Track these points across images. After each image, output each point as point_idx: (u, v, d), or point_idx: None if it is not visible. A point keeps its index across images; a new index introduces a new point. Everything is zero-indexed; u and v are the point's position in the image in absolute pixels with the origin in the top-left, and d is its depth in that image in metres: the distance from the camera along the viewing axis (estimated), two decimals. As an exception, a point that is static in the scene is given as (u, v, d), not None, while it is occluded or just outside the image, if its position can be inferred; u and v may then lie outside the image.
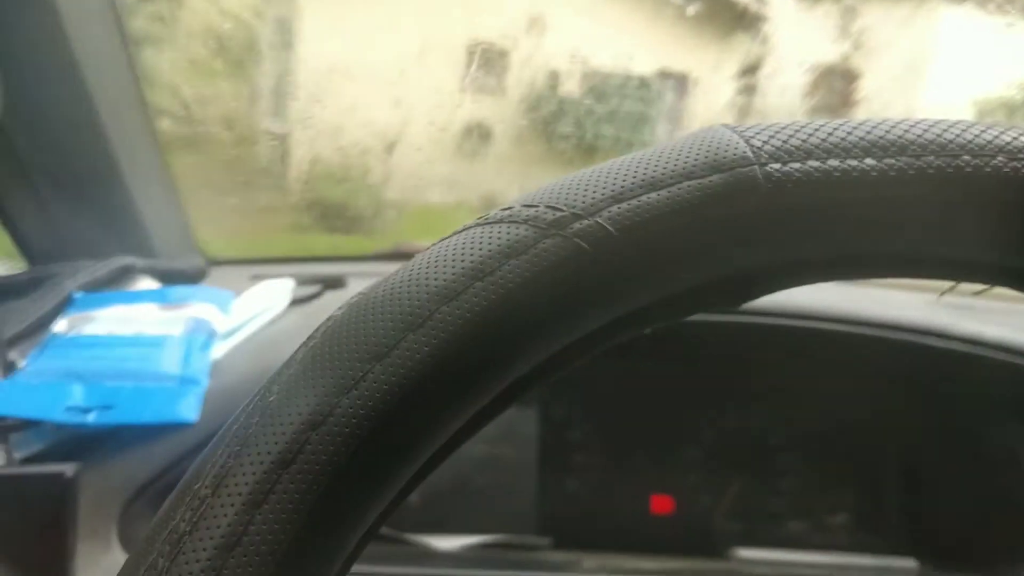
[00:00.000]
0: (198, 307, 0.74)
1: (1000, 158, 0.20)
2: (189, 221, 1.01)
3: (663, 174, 0.21)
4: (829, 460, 0.91)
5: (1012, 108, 1.18)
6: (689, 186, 0.21)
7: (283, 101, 1.18)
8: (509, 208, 0.21)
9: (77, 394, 0.62)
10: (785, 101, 1.22)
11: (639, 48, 1.22)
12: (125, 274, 0.83)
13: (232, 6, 1.08)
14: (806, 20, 1.28)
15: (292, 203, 1.20)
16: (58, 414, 0.60)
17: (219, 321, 0.74)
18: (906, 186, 0.20)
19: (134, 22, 0.91)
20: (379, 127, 1.10)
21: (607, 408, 0.91)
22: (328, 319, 0.21)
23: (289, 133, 1.17)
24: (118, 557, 0.60)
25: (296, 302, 0.86)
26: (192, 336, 0.69)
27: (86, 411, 0.61)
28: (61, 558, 0.54)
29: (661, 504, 0.90)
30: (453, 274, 0.20)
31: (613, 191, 0.21)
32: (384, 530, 0.22)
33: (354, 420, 0.19)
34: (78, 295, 0.76)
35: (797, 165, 0.21)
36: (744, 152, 0.21)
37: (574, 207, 0.20)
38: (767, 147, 0.21)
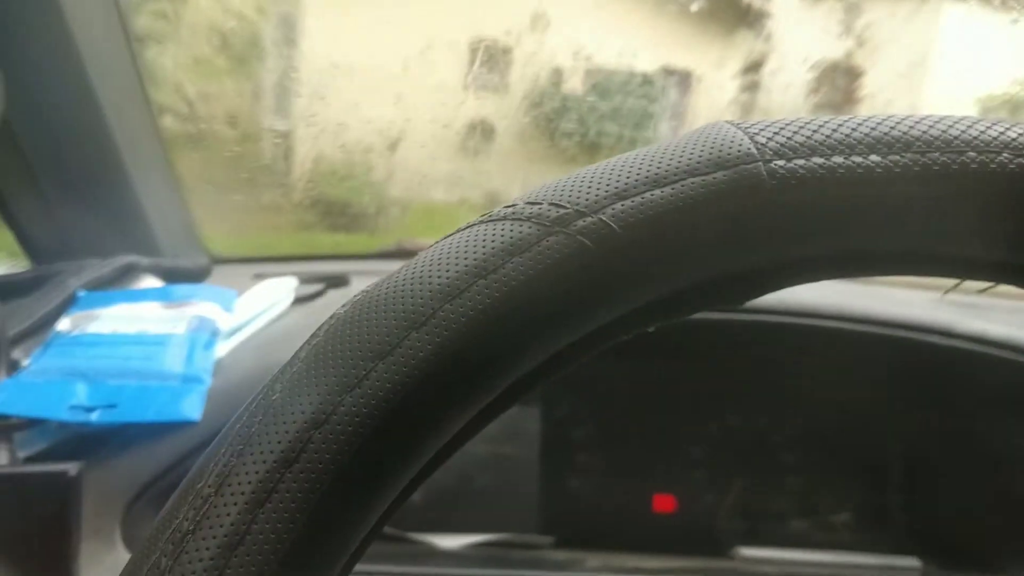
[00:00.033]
0: (201, 305, 0.74)
1: (1005, 154, 0.20)
2: (192, 219, 1.01)
3: (667, 171, 0.21)
4: (832, 458, 0.91)
5: (1016, 105, 1.17)
6: (693, 183, 0.20)
7: (286, 99, 1.18)
8: (512, 205, 0.21)
9: (81, 393, 0.62)
10: (788, 98, 1.22)
11: (642, 45, 1.22)
12: (129, 272, 0.83)
13: (235, 3, 1.08)
14: (809, 17, 1.28)
15: (295, 201, 1.20)
16: (62, 413, 0.60)
17: (222, 319, 0.74)
18: (911, 183, 0.20)
19: (138, 20, 0.91)
20: (382, 124, 1.10)
21: (610, 407, 0.91)
22: (331, 317, 0.21)
23: (292, 131, 1.17)
24: (121, 556, 0.60)
25: (299, 300, 0.86)
26: (195, 335, 0.69)
27: (90, 410, 0.61)
28: (64, 557, 0.54)
29: (664, 503, 0.90)
30: (456, 272, 0.20)
31: (617, 188, 0.21)
32: (387, 529, 0.22)
33: (357, 419, 0.19)
34: (82, 294, 0.76)
35: (801, 162, 0.20)
36: (748, 149, 0.21)
37: (578, 204, 0.20)
38: (771, 144, 0.21)
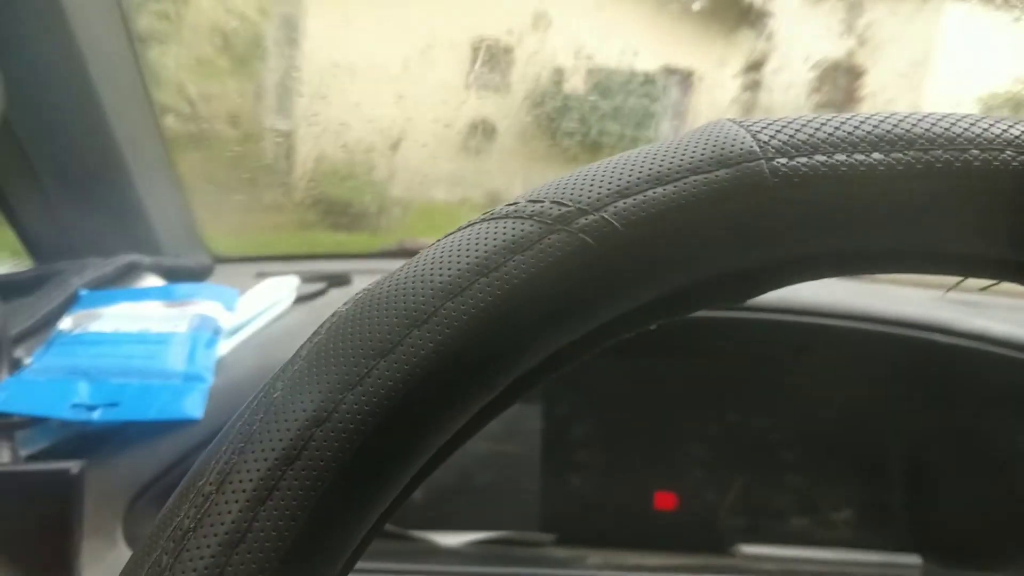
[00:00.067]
0: (203, 304, 0.74)
1: (1009, 152, 0.20)
2: (194, 218, 1.01)
3: (669, 169, 0.21)
4: (833, 456, 0.91)
5: (1018, 103, 1.17)
6: (695, 181, 0.20)
7: (288, 98, 1.18)
8: (514, 204, 0.21)
9: (83, 391, 0.62)
10: (790, 97, 1.22)
11: (644, 44, 1.22)
12: (131, 271, 0.83)
13: (237, 4, 1.08)
14: (811, 16, 1.27)
15: (297, 200, 1.20)
16: (63, 411, 0.60)
17: (224, 318, 0.74)
18: (913, 180, 0.20)
19: (140, 20, 0.91)
20: (384, 124, 1.10)
21: (611, 404, 0.91)
22: (333, 315, 0.21)
23: (294, 130, 1.17)
24: (123, 554, 0.60)
25: (301, 299, 0.86)
26: (197, 333, 0.70)
27: (91, 408, 0.61)
28: (66, 555, 0.54)
29: (665, 500, 0.90)
30: (458, 270, 0.20)
31: (619, 186, 0.21)
32: (388, 527, 0.22)
33: (358, 416, 0.18)
34: (84, 292, 0.76)
35: (804, 160, 0.20)
36: (751, 147, 0.21)
37: (579, 202, 0.20)
38: (774, 142, 0.21)
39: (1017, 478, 0.86)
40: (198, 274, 0.93)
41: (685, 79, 1.33)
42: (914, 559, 0.84)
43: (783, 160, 0.20)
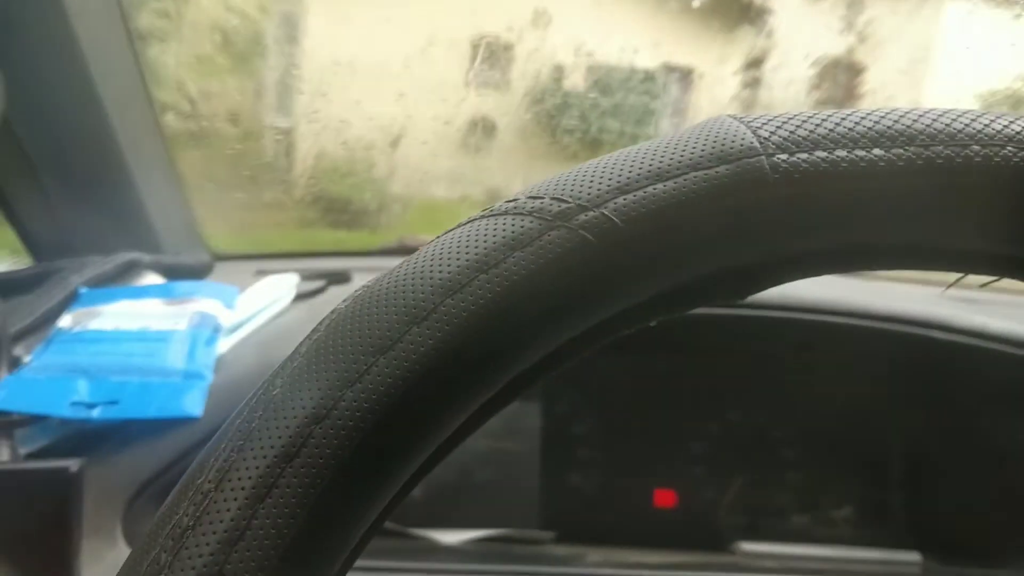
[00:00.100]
0: (203, 302, 0.74)
1: (1009, 148, 0.20)
2: (194, 216, 1.01)
3: (669, 165, 0.21)
4: (833, 453, 0.91)
5: (1018, 100, 1.17)
6: (696, 177, 0.20)
7: (288, 96, 1.18)
8: (514, 200, 0.21)
9: (82, 389, 0.62)
10: (790, 95, 1.22)
11: (644, 41, 1.22)
12: (130, 269, 0.83)
13: (237, 1, 1.08)
14: (811, 13, 1.27)
15: (297, 198, 1.20)
16: (63, 409, 0.60)
17: (224, 316, 0.74)
18: (914, 176, 0.20)
19: (140, 18, 0.91)
20: (384, 121, 1.09)
21: (611, 402, 0.91)
22: (332, 312, 0.21)
23: (294, 128, 1.17)
24: (123, 552, 0.60)
25: (301, 297, 0.86)
26: (197, 331, 0.70)
27: (91, 406, 0.61)
28: (66, 553, 0.54)
29: (664, 498, 0.90)
30: (458, 266, 0.20)
31: (619, 182, 0.21)
32: (388, 524, 0.22)
33: (358, 414, 0.18)
34: (83, 290, 0.76)
35: (804, 155, 0.20)
36: (751, 142, 0.21)
37: (579, 198, 0.20)
38: (774, 137, 0.21)
39: (1017, 475, 0.86)
40: (198, 272, 0.93)
41: (685, 76, 1.33)
42: (914, 556, 0.84)
43: (783, 156, 0.20)
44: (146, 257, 0.85)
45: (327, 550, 0.19)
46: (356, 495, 0.19)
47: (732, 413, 0.91)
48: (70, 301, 0.75)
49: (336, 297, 0.87)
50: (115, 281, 0.81)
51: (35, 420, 0.61)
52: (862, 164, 0.20)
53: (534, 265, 0.20)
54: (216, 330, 0.71)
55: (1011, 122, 0.21)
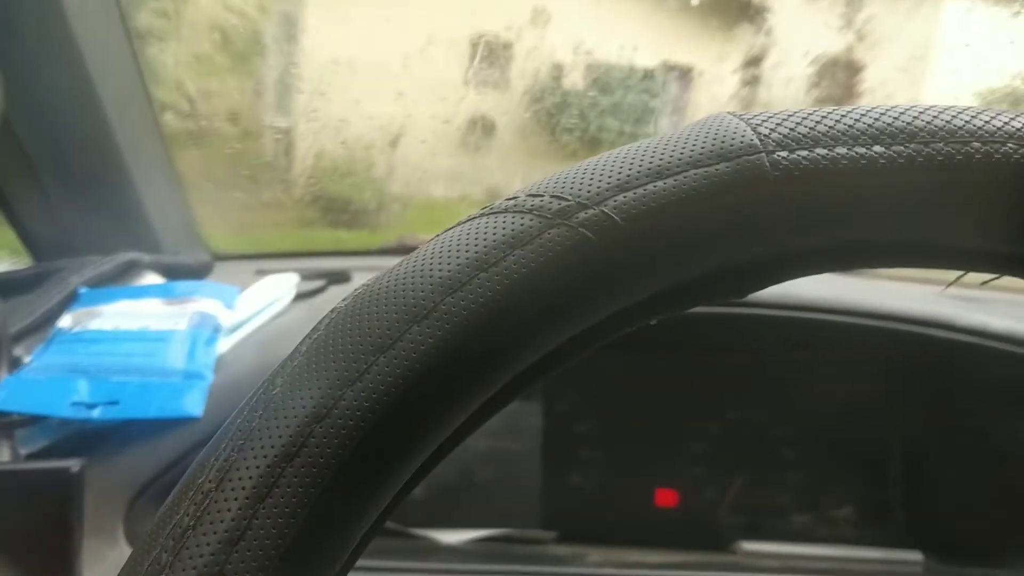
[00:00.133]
0: (203, 302, 0.74)
1: (1010, 145, 0.20)
2: (194, 216, 1.01)
3: (669, 162, 0.21)
4: (833, 453, 0.91)
5: (1017, 98, 1.17)
6: (696, 174, 0.20)
7: (287, 95, 1.18)
8: (514, 198, 0.21)
9: (82, 389, 0.62)
10: (789, 93, 1.22)
11: (643, 40, 1.22)
12: (130, 269, 0.83)
13: (236, 1, 1.08)
14: (810, 11, 1.27)
15: (296, 197, 1.20)
16: (63, 409, 0.60)
17: (224, 316, 0.74)
18: (915, 173, 0.20)
19: (138, 17, 0.91)
20: (383, 120, 1.09)
21: (611, 401, 0.91)
22: (332, 311, 0.21)
23: (293, 127, 1.17)
24: (124, 552, 0.60)
25: (300, 296, 0.86)
26: (197, 331, 0.69)
27: (91, 406, 0.61)
28: (67, 554, 0.54)
29: (665, 497, 0.90)
30: (457, 265, 0.20)
31: (619, 180, 0.20)
32: (388, 524, 0.22)
33: (358, 413, 0.18)
34: (83, 291, 0.76)
35: (804, 153, 0.20)
36: (751, 140, 0.21)
37: (579, 196, 0.20)
38: (774, 135, 0.21)
39: (1018, 473, 0.86)
40: (197, 272, 0.93)
41: (684, 75, 1.33)
42: (915, 555, 0.84)
43: (784, 153, 0.20)
44: (146, 257, 0.85)
45: (328, 550, 0.19)
46: (357, 494, 0.19)
47: (733, 412, 0.91)
48: (70, 301, 0.75)
49: (336, 297, 0.87)
50: (115, 281, 0.81)
51: (35, 420, 0.61)
52: (862, 161, 0.20)
53: (534, 263, 0.20)
54: (216, 330, 0.71)
55: (1011, 119, 0.21)
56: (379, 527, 0.21)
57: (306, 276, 0.90)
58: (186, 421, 0.62)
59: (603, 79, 1.23)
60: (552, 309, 0.20)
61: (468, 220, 0.21)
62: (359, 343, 0.19)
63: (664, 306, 0.23)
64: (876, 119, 0.21)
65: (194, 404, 0.62)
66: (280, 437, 0.18)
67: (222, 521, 0.18)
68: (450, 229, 0.21)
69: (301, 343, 0.20)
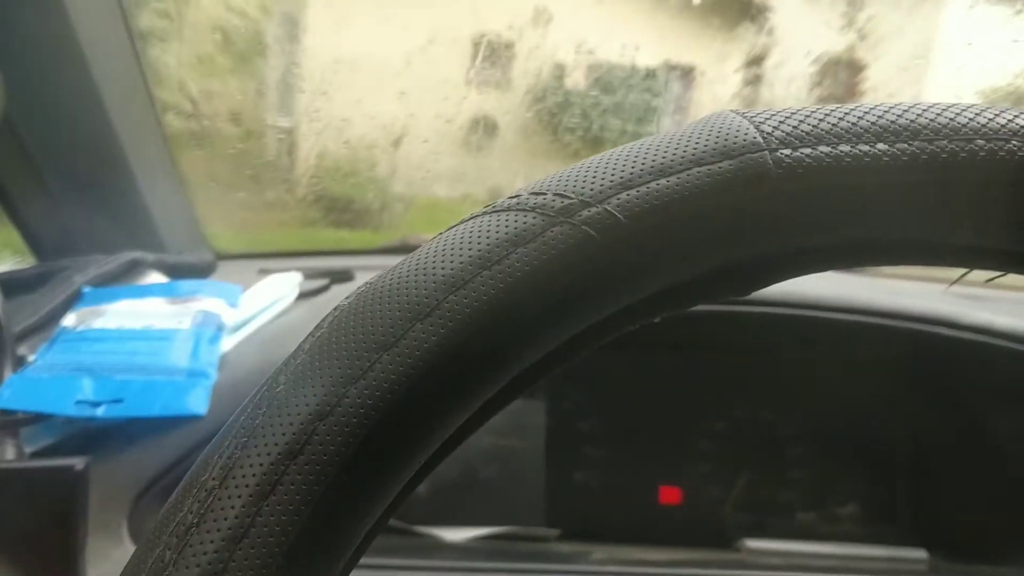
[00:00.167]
0: (206, 301, 0.74)
1: (1014, 142, 0.20)
2: (197, 216, 1.01)
3: (672, 160, 0.21)
4: (838, 450, 0.91)
5: (1020, 97, 1.17)
6: (699, 172, 0.20)
7: (290, 95, 1.18)
8: (517, 196, 0.21)
9: (86, 388, 0.62)
10: (791, 92, 1.22)
11: (645, 39, 1.22)
12: (134, 268, 0.83)
13: (238, 1, 1.08)
14: (812, 10, 1.27)
15: (299, 197, 1.20)
16: (68, 408, 0.60)
17: (227, 315, 0.74)
18: (918, 171, 0.20)
19: (141, 18, 0.91)
20: (385, 120, 1.09)
21: (615, 399, 0.91)
22: (335, 309, 0.21)
23: (296, 127, 1.17)
24: (128, 550, 0.60)
25: (304, 295, 0.86)
26: (200, 330, 0.70)
27: (95, 405, 0.61)
28: (71, 552, 0.54)
29: (669, 495, 0.90)
30: (460, 263, 0.20)
31: (622, 178, 0.20)
32: (392, 522, 0.22)
33: (361, 410, 0.18)
34: (87, 290, 0.76)
35: (808, 151, 0.20)
36: (754, 138, 0.21)
37: (582, 194, 0.20)
38: (777, 132, 0.21)
39: (1022, 471, 0.86)
40: (201, 271, 0.93)
41: (686, 74, 1.33)
42: (920, 553, 0.84)
43: (787, 151, 0.20)
44: (149, 256, 0.85)
45: (331, 547, 0.19)
46: (360, 492, 0.19)
47: (737, 410, 0.91)
48: (74, 300, 0.75)
49: (339, 296, 0.87)
50: (118, 280, 0.81)
51: (40, 419, 0.61)
52: (866, 159, 0.20)
53: (537, 261, 0.20)
54: (219, 329, 0.71)
55: (1015, 116, 0.21)
56: (383, 525, 0.21)
57: (309, 275, 0.90)
58: (190, 419, 0.62)
59: (605, 78, 1.23)
60: (555, 307, 0.20)
61: (471, 218, 0.21)
62: (362, 341, 0.19)
63: (667, 304, 0.23)
64: (879, 116, 0.21)
65: (198, 402, 0.63)
66: (283, 435, 0.18)
67: (226, 519, 0.18)
68: (453, 227, 0.21)
69: (304, 341, 0.20)
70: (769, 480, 0.90)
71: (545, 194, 0.21)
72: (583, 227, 0.20)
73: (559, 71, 1.20)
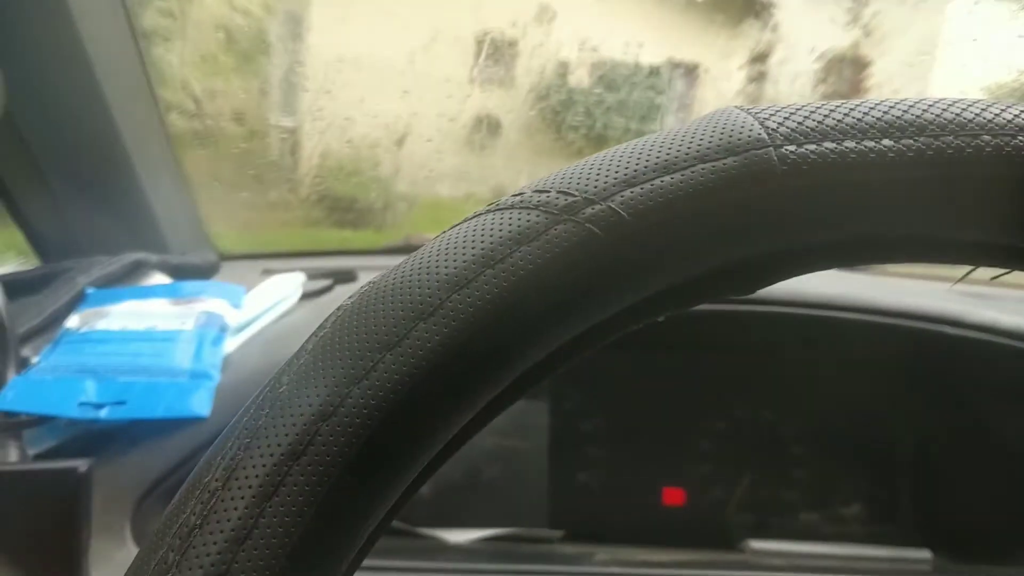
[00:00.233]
0: (210, 302, 0.74)
1: (1020, 137, 0.20)
2: (200, 216, 1.01)
3: (676, 157, 0.20)
4: (842, 450, 0.91)
5: (1024, 94, 1.16)
6: (703, 169, 0.20)
7: (293, 94, 1.18)
8: (520, 194, 0.21)
9: (90, 389, 0.62)
10: (796, 89, 1.22)
11: (648, 37, 1.22)
12: (137, 269, 0.83)
13: (241, 0, 1.08)
14: (816, 6, 1.27)
15: (302, 197, 1.20)
16: (71, 410, 0.60)
17: (231, 315, 0.74)
18: (924, 167, 0.20)
19: (144, 17, 0.91)
20: (389, 119, 1.09)
21: (618, 399, 0.91)
22: (338, 309, 0.21)
23: (299, 127, 1.17)
24: (131, 552, 0.60)
25: (307, 296, 0.86)
26: (204, 331, 0.70)
27: (99, 406, 0.61)
28: (74, 553, 0.54)
29: (673, 496, 0.90)
30: (464, 261, 0.20)
31: (626, 175, 0.20)
32: (395, 523, 0.21)
33: (364, 411, 0.18)
34: (90, 291, 0.76)
35: (813, 147, 0.20)
36: (759, 134, 0.20)
37: (586, 192, 0.20)
38: (782, 129, 0.21)
39: (1027, 470, 0.86)
40: (204, 271, 0.93)
41: (690, 71, 1.33)
42: (924, 553, 0.84)
43: (792, 147, 0.20)
44: (152, 257, 0.85)
45: (334, 549, 0.19)
46: (363, 493, 0.19)
47: (740, 410, 0.91)
48: (77, 301, 0.75)
49: (342, 296, 0.87)
50: (122, 281, 0.81)
51: (43, 421, 0.61)
52: (871, 155, 0.20)
53: (540, 260, 0.19)
54: (223, 329, 0.71)
55: (1021, 112, 0.20)
56: (386, 526, 0.21)
57: (312, 275, 0.90)
58: (193, 421, 0.62)
59: (609, 76, 1.23)
60: (559, 306, 0.20)
61: (474, 216, 0.21)
62: (365, 341, 0.19)
63: (671, 302, 0.23)
64: (885, 112, 0.21)
65: (201, 404, 0.63)
66: (286, 435, 0.18)
67: (229, 520, 0.18)
68: (456, 226, 0.21)
69: (307, 341, 0.20)
70: (772, 480, 0.90)
71: (548, 192, 0.20)
72: (587, 225, 0.20)
73: (563, 69, 1.20)
